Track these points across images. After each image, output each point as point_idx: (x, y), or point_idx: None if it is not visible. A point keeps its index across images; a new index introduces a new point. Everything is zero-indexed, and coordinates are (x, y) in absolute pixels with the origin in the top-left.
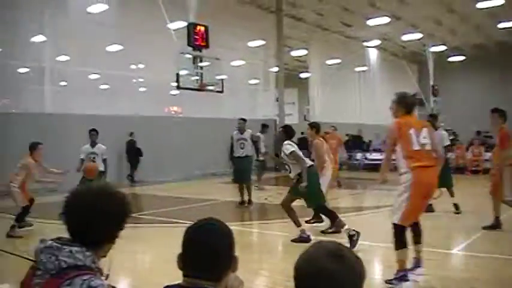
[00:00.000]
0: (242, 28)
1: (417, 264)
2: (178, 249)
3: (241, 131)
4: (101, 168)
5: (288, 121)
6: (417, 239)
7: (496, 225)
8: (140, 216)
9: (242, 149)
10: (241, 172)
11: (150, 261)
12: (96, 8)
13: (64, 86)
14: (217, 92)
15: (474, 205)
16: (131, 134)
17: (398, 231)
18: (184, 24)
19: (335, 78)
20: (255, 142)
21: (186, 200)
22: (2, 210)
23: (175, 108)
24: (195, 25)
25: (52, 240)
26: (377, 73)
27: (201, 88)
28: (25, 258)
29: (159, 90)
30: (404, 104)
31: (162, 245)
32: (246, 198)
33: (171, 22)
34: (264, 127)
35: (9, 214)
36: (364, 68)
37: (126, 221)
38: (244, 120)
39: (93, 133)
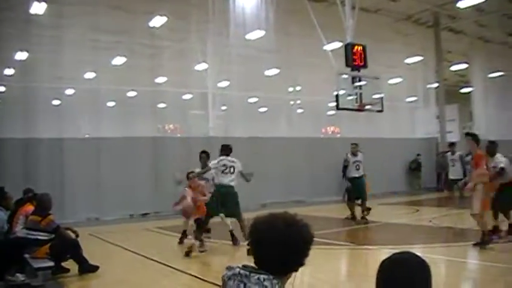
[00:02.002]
0: (399, 45)
1: None
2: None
3: (355, 154)
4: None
5: (449, 139)
6: None
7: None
8: None
9: (358, 169)
10: (358, 191)
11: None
12: (254, 35)
13: (225, 110)
14: (378, 111)
15: None
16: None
17: None
18: (341, 44)
19: (499, 92)
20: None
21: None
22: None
23: (332, 129)
24: (352, 45)
25: (239, 267)
26: None
27: (360, 108)
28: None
29: (316, 112)
30: None
31: (329, 268)
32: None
33: (328, 43)
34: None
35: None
36: None
37: (309, 249)
38: (356, 144)
39: (203, 155)
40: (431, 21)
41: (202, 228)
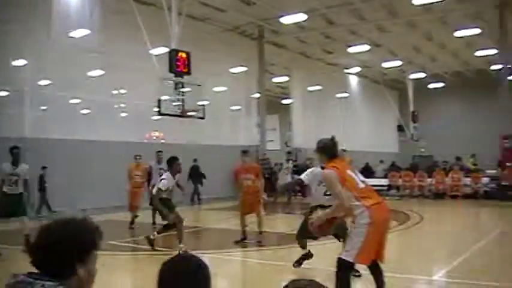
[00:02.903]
0: (224, 54)
1: None
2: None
3: (160, 161)
4: (21, 190)
5: (269, 147)
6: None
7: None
8: (120, 244)
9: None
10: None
11: None
12: (78, 33)
13: (44, 110)
14: (199, 118)
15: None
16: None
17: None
18: (167, 50)
19: (316, 105)
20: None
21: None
22: None
23: (156, 134)
24: (176, 51)
25: (24, 275)
26: (358, 99)
27: (182, 114)
28: None
29: (140, 116)
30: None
31: (139, 274)
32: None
33: (154, 48)
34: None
35: None
36: (346, 95)
37: (86, 249)
38: (161, 151)
39: (16, 151)
40: (255, 34)
41: None
